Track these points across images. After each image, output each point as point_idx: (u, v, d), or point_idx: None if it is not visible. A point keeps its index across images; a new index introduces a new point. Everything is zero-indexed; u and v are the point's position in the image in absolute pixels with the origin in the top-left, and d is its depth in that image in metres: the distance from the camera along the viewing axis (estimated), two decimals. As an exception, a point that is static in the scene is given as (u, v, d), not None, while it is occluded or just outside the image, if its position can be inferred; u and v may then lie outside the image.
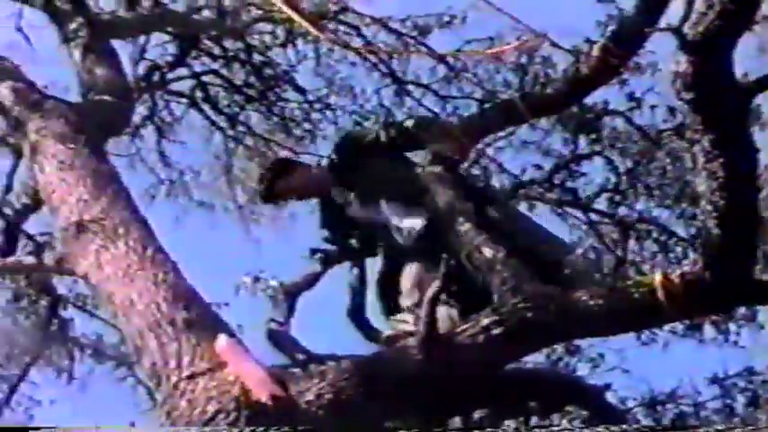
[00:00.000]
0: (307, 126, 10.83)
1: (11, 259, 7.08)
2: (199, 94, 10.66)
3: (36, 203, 8.07)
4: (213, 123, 10.87)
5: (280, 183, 6.09)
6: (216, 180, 10.98)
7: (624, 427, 4.83)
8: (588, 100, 8.77)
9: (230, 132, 10.86)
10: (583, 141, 9.99)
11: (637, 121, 9.75)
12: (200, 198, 10.84)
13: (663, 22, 5.98)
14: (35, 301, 8.06)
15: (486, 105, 9.08)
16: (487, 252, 4.95)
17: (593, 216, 10.05)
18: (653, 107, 9.63)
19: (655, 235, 9.80)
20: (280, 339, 6.21)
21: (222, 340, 4.44)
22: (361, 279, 5.71)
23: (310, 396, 4.35)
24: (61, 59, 7.72)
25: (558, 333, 5.55)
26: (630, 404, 8.68)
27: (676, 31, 3.84)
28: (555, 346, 8.34)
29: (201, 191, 10.90)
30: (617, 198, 9.97)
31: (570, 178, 10.12)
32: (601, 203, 10.03)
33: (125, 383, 8.89)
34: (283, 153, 10.09)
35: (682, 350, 9.40)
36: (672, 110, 9.35)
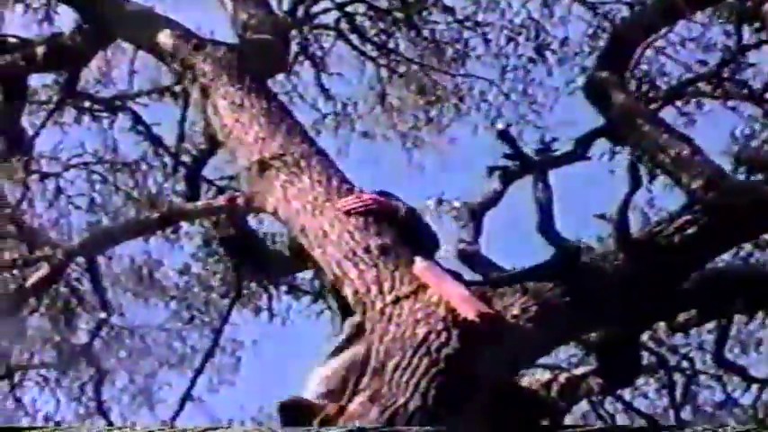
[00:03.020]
0: (458, 46, 10.60)
1: (201, 202, 7.18)
2: (345, 25, 10.55)
3: (212, 148, 8.18)
4: (363, 54, 10.76)
5: None
6: (373, 110, 10.87)
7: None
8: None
9: (382, 61, 10.74)
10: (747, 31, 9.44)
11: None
12: (361, 129, 10.77)
13: None
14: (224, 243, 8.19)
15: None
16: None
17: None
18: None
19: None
20: (471, 259, 6.13)
21: (420, 263, 4.38)
22: (547, 190, 5.54)
23: (516, 310, 4.27)
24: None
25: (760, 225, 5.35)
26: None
27: None
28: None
29: (361, 122, 10.82)
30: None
31: (738, 71, 9.62)
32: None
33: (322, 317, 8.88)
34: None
35: None
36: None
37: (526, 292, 4.37)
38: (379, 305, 4.22)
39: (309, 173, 5.06)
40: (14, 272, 7.78)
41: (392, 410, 3.66)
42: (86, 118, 9.63)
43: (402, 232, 4.54)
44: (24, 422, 9.04)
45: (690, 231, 4.90)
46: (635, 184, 5.26)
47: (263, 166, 5.20)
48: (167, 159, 9.33)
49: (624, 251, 4.82)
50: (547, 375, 5.86)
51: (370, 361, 3.97)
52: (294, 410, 3.80)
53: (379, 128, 10.73)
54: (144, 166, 9.40)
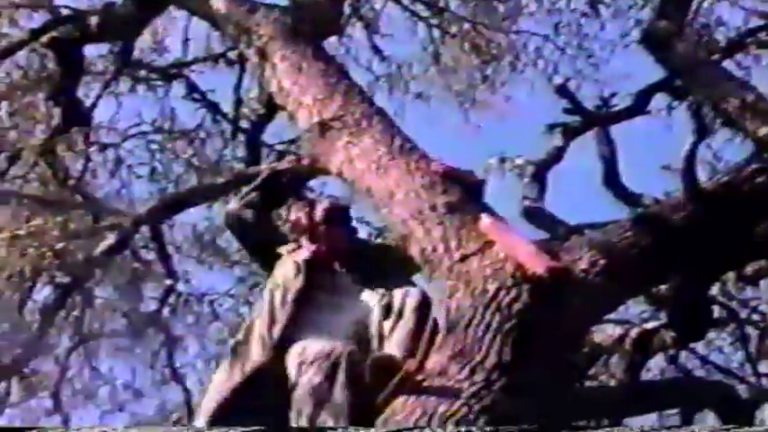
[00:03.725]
0: (510, 4, 10.47)
1: (264, 166, 7.18)
2: (395, -15, 10.45)
3: (270, 112, 8.19)
4: (414, 14, 10.68)
5: None
6: (427, 70, 10.80)
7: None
8: None
9: (433, 21, 10.64)
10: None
11: None
12: (416, 90, 10.69)
13: None
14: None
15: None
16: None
17: None
18: None
19: None
20: (536, 215, 6.09)
21: (486, 219, 4.35)
22: (610, 145, 5.48)
23: (584, 264, 4.22)
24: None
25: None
26: None
27: None
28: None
29: (416, 83, 10.75)
30: None
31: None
32: None
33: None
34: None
35: None
36: None
37: (594, 245, 4.32)
38: (446, 263, 4.21)
39: (371, 133, 5.03)
40: (82, 242, 7.87)
41: (471, 367, 3.66)
42: (142, 87, 9.68)
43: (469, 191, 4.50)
44: (103, 391, 9.23)
45: (759, 180, 4.81)
46: (700, 134, 5.18)
47: (324, 127, 5.17)
48: (225, 126, 9.39)
49: (693, 202, 4.75)
50: (618, 330, 5.83)
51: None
52: (379, 364, 3.80)
53: (433, 88, 10.66)
54: (202, 134, 9.46)
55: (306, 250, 4.44)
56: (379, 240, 4.75)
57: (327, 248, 4.45)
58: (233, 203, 4.69)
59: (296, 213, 4.59)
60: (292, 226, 4.61)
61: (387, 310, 4.10)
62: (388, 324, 4.08)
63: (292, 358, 4.03)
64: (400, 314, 4.08)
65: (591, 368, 6.57)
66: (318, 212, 4.56)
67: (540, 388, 3.84)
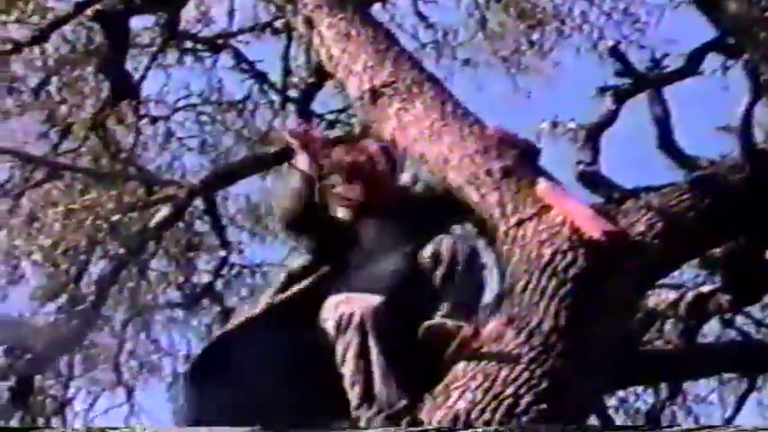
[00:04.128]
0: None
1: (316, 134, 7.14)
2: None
3: (319, 81, 8.18)
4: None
5: None
6: (474, 37, 10.70)
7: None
8: None
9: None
10: None
11: None
12: (462, 56, 10.60)
13: None
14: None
15: None
16: None
17: None
18: None
19: None
20: (591, 179, 6.04)
21: (542, 184, 4.32)
22: (664, 107, 5.40)
23: (641, 227, 4.18)
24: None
25: None
26: None
27: None
28: None
29: (463, 49, 10.66)
30: None
31: None
32: None
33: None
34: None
35: None
36: None
37: (651, 208, 4.28)
38: (503, 228, 4.19)
39: (423, 98, 5.00)
40: (136, 214, 7.93)
41: (527, 332, 3.65)
42: (189, 59, 9.68)
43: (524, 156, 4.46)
44: (166, 362, 9.31)
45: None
46: (756, 93, 5.10)
47: (376, 94, 5.15)
48: (274, 96, 9.38)
49: (750, 163, 4.69)
50: (673, 295, 5.78)
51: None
52: (434, 332, 3.79)
53: (481, 55, 10.56)
54: (251, 105, 9.46)
55: (354, 193, 4.37)
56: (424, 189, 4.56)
57: (379, 194, 4.38)
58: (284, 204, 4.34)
59: (349, 156, 4.48)
60: (343, 168, 4.46)
61: (435, 260, 4.02)
62: (438, 273, 3.99)
63: (328, 311, 3.95)
64: (450, 264, 3.99)
65: (646, 334, 6.52)
66: (375, 156, 4.46)
67: (599, 352, 3.83)
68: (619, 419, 8.82)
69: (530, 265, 3.96)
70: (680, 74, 7.35)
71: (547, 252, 3.97)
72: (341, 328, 3.81)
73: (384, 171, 4.45)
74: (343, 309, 3.86)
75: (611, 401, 8.62)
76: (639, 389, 8.46)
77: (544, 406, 3.39)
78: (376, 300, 3.86)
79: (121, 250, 7.76)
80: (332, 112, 8.98)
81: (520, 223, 4.16)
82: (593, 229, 4.01)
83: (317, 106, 9.00)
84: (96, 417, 9.15)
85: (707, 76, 7.76)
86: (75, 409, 9.11)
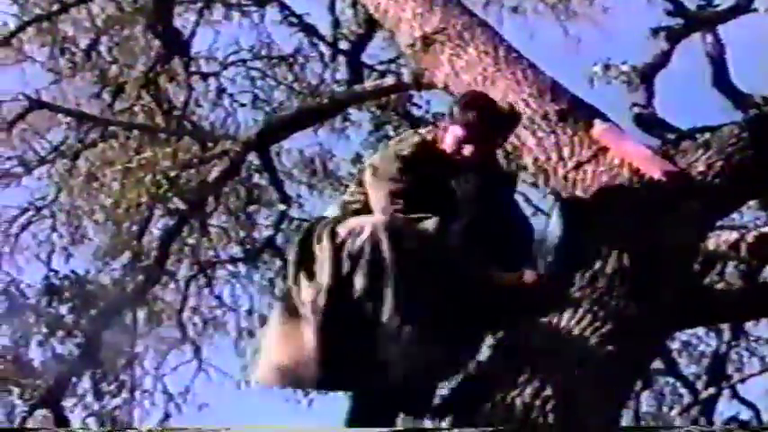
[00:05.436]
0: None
1: (368, 84, 7.17)
2: None
3: (369, 31, 8.15)
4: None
5: None
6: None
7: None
8: None
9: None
10: None
11: None
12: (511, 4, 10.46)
13: None
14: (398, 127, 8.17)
15: None
16: None
17: None
18: None
19: None
20: (647, 121, 5.97)
21: (599, 126, 4.30)
22: (718, 45, 5.31)
23: (701, 167, 4.13)
24: None
25: None
26: None
27: None
28: None
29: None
30: None
31: None
32: None
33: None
34: None
35: None
36: None
37: (709, 147, 4.22)
38: (561, 172, 4.18)
39: (475, 44, 4.98)
40: (193, 170, 7.97)
41: (591, 274, 3.62)
42: (236, 14, 9.66)
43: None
44: (230, 317, 9.36)
45: None
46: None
47: (427, 41, 5.13)
48: (324, 49, 9.35)
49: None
50: (734, 235, 5.69)
51: None
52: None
53: (529, 1, 10.43)
54: (301, 59, 9.43)
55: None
56: None
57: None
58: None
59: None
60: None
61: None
62: None
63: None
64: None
65: (707, 276, 6.45)
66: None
67: (661, 293, 3.81)
68: (683, 362, 8.82)
69: (592, 207, 3.94)
70: (733, 12, 7.20)
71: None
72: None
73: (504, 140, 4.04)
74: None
75: (675, 345, 8.59)
76: (701, 332, 8.43)
77: (610, 347, 3.38)
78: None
79: (182, 206, 7.81)
80: (382, 62, 8.96)
81: (579, 166, 4.14)
82: (653, 169, 3.98)
83: (366, 58, 8.99)
84: (166, 375, 9.23)
85: (763, 13, 7.62)
86: (145, 366, 9.20)
